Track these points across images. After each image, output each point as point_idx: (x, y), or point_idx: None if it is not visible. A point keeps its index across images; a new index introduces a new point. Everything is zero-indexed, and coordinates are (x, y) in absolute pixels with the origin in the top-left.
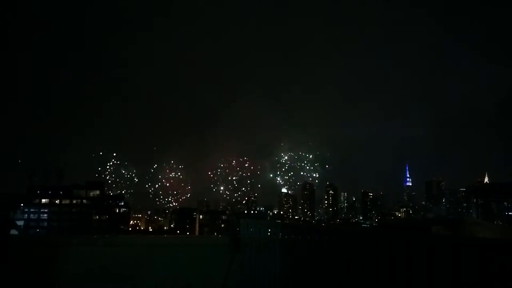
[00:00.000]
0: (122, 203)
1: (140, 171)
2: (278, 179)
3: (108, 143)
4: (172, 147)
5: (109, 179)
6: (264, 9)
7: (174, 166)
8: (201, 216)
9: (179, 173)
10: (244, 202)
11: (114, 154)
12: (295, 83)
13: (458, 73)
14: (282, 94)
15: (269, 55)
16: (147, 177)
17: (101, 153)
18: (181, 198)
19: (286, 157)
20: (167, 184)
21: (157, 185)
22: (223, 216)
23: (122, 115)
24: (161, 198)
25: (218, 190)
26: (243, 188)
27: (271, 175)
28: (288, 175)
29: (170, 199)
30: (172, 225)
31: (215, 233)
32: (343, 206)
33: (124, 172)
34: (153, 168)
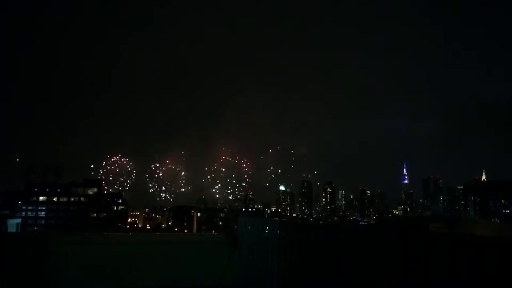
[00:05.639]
0: (120, 201)
1: (138, 168)
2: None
3: (107, 141)
4: (171, 144)
5: (107, 177)
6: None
7: (173, 164)
8: (199, 214)
9: (178, 169)
10: (242, 199)
11: (112, 153)
12: (295, 81)
13: (458, 72)
14: (281, 91)
15: (269, 53)
16: (146, 175)
17: (99, 151)
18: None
19: (283, 155)
20: (167, 182)
21: (155, 183)
22: (221, 214)
23: (120, 113)
24: (160, 196)
25: (216, 187)
26: (241, 186)
27: (269, 172)
28: (285, 173)
29: (167, 196)
30: (170, 223)
31: (213, 231)
32: (341, 204)
33: (122, 170)
34: (152, 166)
